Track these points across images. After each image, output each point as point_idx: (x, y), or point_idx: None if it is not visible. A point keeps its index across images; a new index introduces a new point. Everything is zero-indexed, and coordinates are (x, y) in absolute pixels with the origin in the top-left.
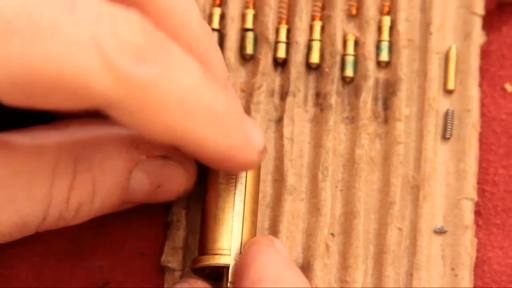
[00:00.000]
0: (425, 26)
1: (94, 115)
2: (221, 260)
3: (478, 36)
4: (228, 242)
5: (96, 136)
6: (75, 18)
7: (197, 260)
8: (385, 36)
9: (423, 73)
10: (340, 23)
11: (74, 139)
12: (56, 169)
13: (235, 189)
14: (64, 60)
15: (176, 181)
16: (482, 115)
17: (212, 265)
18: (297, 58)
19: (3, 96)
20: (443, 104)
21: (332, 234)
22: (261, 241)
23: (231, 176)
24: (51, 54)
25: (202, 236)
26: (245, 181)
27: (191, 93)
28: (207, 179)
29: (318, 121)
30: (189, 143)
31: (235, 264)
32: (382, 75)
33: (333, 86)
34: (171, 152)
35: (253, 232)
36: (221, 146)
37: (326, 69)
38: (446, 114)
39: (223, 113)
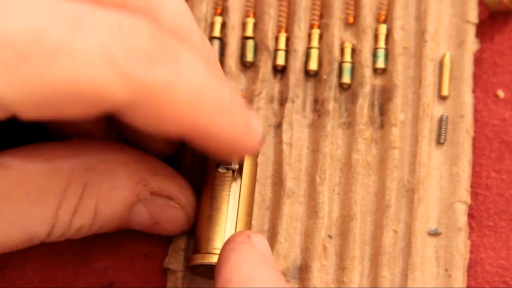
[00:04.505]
0: (420, 34)
1: (109, 139)
2: (213, 259)
3: (472, 44)
4: (221, 242)
5: (109, 165)
6: (84, 32)
7: (191, 258)
8: (381, 44)
9: (418, 80)
10: (337, 31)
11: (87, 164)
12: (65, 191)
13: (229, 190)
14: (78, 75)
15: (174, 222)
16: (475, 120)
17: (205, 263)
18: (296, 65)
19: (20, 113)
20: (437, 110)
21: (330, 236)
22: (235, 239)
23: (226, 177)
24: (64, 72)
25: (197, 235)
26: (240, 182)
27: (200, 89)
28: (203, 180)
29: (316, 127)
30: (197, 135)
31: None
32: (378, 81)
33: (330, 93)
34: (176, 195)
35: None
36: (226, 135)
37: (324, 76)
38: (440, 120)
39: (228, 103)
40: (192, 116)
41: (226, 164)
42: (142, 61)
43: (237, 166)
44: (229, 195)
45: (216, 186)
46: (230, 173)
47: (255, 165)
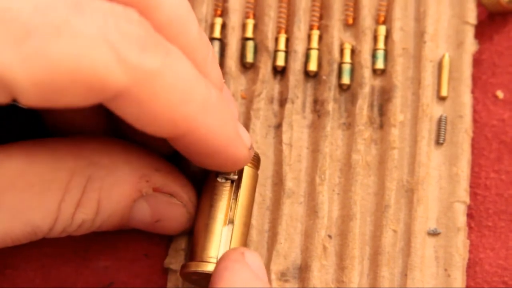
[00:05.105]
0: (419, 35)
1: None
2: (207, 268)
3: (471, 45)
4: (216, 251)
5: (112, 160)
6: (84, 16)
7: (186, 265)
8: (381, 45)
9: (417, 81)
10: (337, 33)
11: (90, 158)
12: (69, 185)
13: (227, 200)
14: (80, 56)
15: (176, 220)
16: (474, 121)
17: (199, 271)
18: (296, 66)
19: (23, 97)
20: (437, 110)
21: (329, 236)
22: (230, 257)
23: (225, 187)
24: (68, 51)
25: (192, 242)
26: (238, 193)
27: (190, 83)
28: (202, 187)
29: (316, 127)
30: (187, 133)
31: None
32: (377, 82)
33: (330, 93)
34: (178, 192)
35: (243, 243)
36: (216, 136)
37: (324, 77)
38: (440, 120)
39: (216, 103)
40: (183, 109)
41: (226, 174)
42: (136, 48)
43: (236, 177)
44: (226, 205)
45: (214, 195)
46: (229, 183)
47: (255, 177)
